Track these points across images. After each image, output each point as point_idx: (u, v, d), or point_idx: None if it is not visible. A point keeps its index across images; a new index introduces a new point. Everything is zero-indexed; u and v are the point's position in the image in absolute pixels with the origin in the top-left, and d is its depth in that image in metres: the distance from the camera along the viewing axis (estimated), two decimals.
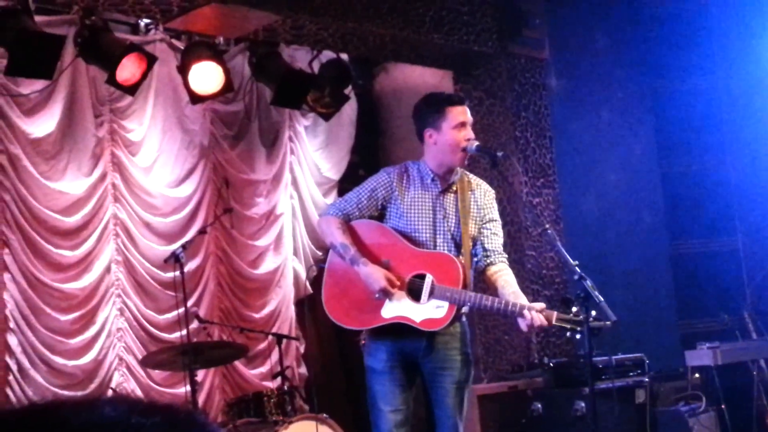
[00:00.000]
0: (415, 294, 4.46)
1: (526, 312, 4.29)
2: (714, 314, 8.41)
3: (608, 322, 4.26)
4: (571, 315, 4.30)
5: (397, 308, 4.48)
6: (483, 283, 4.71)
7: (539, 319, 4.27)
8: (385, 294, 4.45)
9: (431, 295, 4.44)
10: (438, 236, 4.56)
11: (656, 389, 6.93)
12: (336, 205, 4.71)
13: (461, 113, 4.59)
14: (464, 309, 4.57)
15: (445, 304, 4.43)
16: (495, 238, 4.67)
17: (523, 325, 4.34)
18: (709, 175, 9.11)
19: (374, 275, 4.44)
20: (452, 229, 4.58)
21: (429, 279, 4.45)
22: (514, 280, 4.62)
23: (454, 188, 4.63)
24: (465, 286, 4.46)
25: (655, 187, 9.14)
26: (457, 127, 4.56)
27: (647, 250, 8.92)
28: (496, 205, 4.74)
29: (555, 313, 4.32)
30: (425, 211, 4.58)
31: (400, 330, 4.49)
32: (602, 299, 4.26)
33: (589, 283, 4.28)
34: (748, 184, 8.94)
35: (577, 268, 4.33)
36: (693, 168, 9.14)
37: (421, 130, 4.64)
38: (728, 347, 7.37)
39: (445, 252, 4.54)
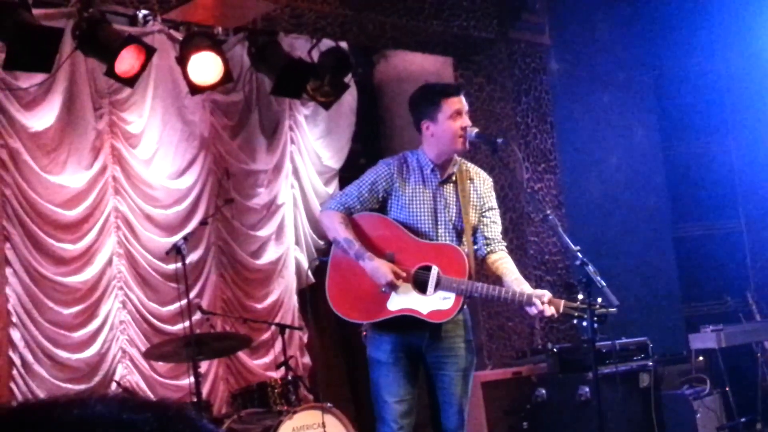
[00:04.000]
0: (421, 286, 4.45)
1: (536, 301, 4.28)
2: (717, 297, 8.41)
3: (613, 309, 4.26)
4: (578, 303, 4.30)
5: (404, 301, 4.46)
6: (484, 270, 4.71)
7: (549, 311, 4.27)
8: (392, 287, 4.43)
9: (438, 286, 4.43)
10: (439, 226, 4.55)
11: (660, 373, 6.91)
12: (337, 199, 4.69)
13: (456, 103, 4.57)
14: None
15: (452, 295, 4.42)
16: (494, 226, 4.67)
17: (531, 311, 4.34)
18: (711, 157, 9.10)
19: (380, 269, 4.42)
20: (453, 218, 4.57)
21: (435, 270, 4.44)
22: (515, 267, 4.62)
23: (454, 178, 4.62)
24: (470, 276, 4.46)
25: (658, 171, 9.12)
26: (453, 117, 4.54)
27: (650, 233, 8.91)
28: (494, 193, 4.73)
29: (563, 302, 4.33)
30: (426, 202, 4.57)
31: (403, 322, 4.48)
32: (605, 284, 4.26)
33: (591, 268, 4.27)
34: (751, 166, 8.92)
35: (578, 254, 4.32)
36: (695, 151, 9.12)
37: (418, 122, 4.63)
38: (732, 330, 7.37)
39: (448, 242, 4.53)
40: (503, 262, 4.60)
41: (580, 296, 4.32)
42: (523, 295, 4.36)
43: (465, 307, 4.62)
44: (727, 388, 7.23)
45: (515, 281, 4.48)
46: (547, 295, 4.33)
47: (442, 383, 4.59)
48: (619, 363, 6.57)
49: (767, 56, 8.77)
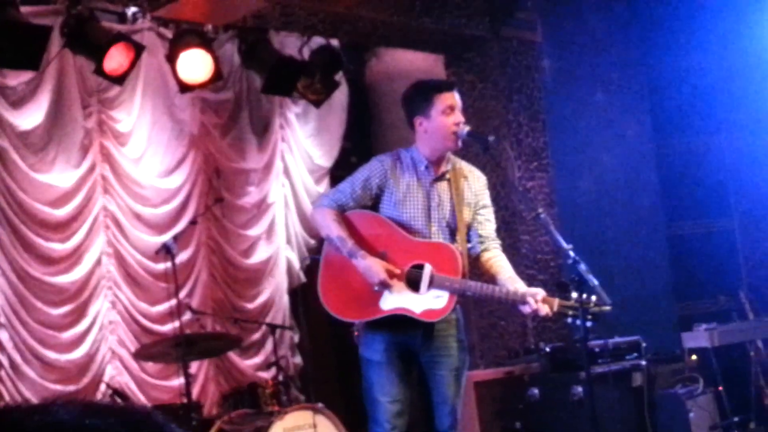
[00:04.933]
0: (414, 284, 4.42)
1: (529, 300, 4.26)
2: (711, 295, 8.39)
3: (608, 307, 4.23)
4: (572, 301, 4.27)
5: (397, 300, 4.43)
6: (477, 269, 4.67)
7: (544, 309, 4.25)
8: (385, 286, 4.40)
9: (431, 285, 4.40)
10: (433, 224, 4.52)
11: (653, 372, 6.90)
12: (330, 196, 4.65)
13: (449, 98, 4.55)
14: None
15: (445, 294, 4.40)
16: (488, 224, 4.64)
17: (525, 310, 4.32)
18: (704, 155, 9.08)
19: (373, 268, 4.39)
20: (447, 216, 4.55)
21: (428, 269, 4.41)
22: (509, 265, 4.60)
23: (448, 176, 4.59)
24: (463, 275, 4.42)
25: (651, 168, 9.11)
26: (446, 112, 4.52)
27: (643, 231, 8.89)
28: (488, 192, 4.71)
29: (557, 300, 4.30)
30: (420, 199, 4.54)
31: (396, 321, 4.45)
32: (597, 283, 4.23)
33: (583, 267, 4.24)
34: (744, 164, 8.90)
35: (570, 252, 4.29)
36: (688, 149, 9.11)
37: (411, 118, 4.61)
38: (725, 328, 7.35)
39: (441, 240, 4.49)
40: (497, 260, 4.57)
41: (574, 294, 4.29)
42: (516, 293, 4.33)
43: (458, 306, 4.59)
44: (720, 387, 7.21)
45: (509, 279, 4.46)
46: (540, 293, 4.31)
47: (435, 383, 4.56)
48: (612, 362, 6.56)
49: (761, 54, 8.75)
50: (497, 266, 4.55)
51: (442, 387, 4.55)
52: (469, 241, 4.60)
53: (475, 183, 4.66)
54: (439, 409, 4.57)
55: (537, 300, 4.27)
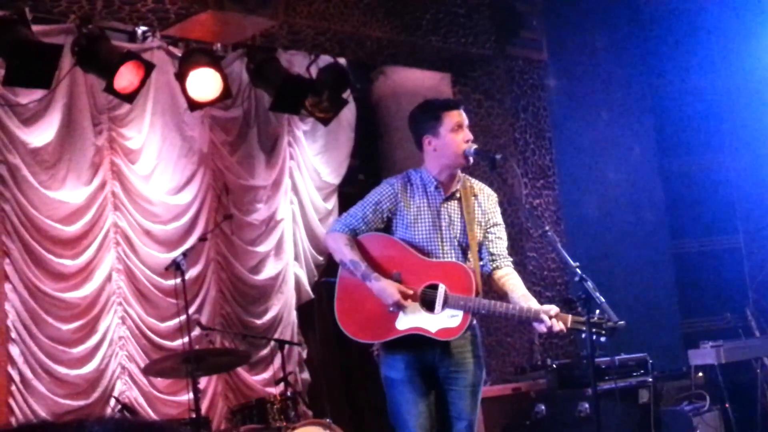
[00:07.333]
0: (428, 305, 4.45)
1: (544, 317, 4.29)
2: (717, 313, 8.41)
3: (622, 322, 4.27)
4: (585, 317, 4.30)
5: (412, 320, 4.47)
6: (488, 286, 4.70)
7: (557, 326, 4.29)
8: (399, 307, 4.44)
9: (445, 304, 4.43)
10: (445, 243, 4.55)
11: (660, 389, 6.92)
12: (341, 221, 4.69)
13: (457, 116, 4.59)
14: None
15: (460, 313, 4.43)
16: (500, 242, 4.67)
17: (540, 328, 4.35)
18: (709, 173, 9.12)
19: (387, 290, 4.43)
20: (458, 235, 4.58)
21: (442, 289, 4.44)
22: (521, 282, 4.63)
23: (458, 195, 4.62)
24: (477, 294, 4.46)
25: (656, 187, 9.14)
26: (455, 130, 4.56)
27: (648, 249, 8.91)
28: (499, 209, 4.74)
29: (570, 317, 4.34)
30: (430, 220, 4.57)
31: (414, 340, 4.48)
32: (603, 300, 4.26)
33: (590, 284, 4.27)
34: (749, 182, 8.94)
35: (577, 270, 4.32)
36: (693, 167, 9.14)
37: (420, 138, 4.64)
38: (731, 346, 7.36)
39: (454, 260, 4.53)
40: (509, 278, 4.60)
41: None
42: (530, 311, 4.37)
43: (475, 322, 4.63)
44: (726, 405, 7.22)
45: (522, 298, 4.49)
46: (554, 309, 4.34)
47: (453, 398, 4.59)
48: (619, 379, 6.57)
49: (765, 74, 8.79)
50: (510, 284, 4.58)
51: (459, 402, 4.57)
52: (480, 259, 4.63)
53: (486, 201, 4.69)
54: (456, 423, 4.59)
55: (551, 316, 4.31)
